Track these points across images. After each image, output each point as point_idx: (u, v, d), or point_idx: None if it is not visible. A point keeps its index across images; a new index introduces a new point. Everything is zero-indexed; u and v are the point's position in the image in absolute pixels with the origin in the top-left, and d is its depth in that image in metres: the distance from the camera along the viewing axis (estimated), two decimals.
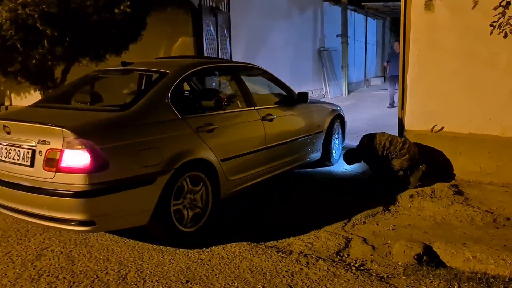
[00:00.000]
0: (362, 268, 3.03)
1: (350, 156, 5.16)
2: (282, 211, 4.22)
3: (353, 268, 2.99)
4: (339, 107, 6.02)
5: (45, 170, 3.03)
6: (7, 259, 3.20)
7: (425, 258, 3.13)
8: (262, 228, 3.79)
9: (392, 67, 11.05)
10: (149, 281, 2.83)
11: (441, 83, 5.08)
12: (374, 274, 2.90)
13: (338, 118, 5.83)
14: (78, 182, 2.93)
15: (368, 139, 4.91)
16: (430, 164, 4.92)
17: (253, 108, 4.38)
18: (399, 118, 5.52)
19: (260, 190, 4.71)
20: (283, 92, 5.06)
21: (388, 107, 11.08)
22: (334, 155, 5.80)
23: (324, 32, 14.01)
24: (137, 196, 3.18)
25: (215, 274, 2.89)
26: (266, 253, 3.19)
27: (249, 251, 3.22)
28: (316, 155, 5.43)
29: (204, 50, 6.87)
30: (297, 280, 2.80)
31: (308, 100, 5.09)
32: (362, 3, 16.27)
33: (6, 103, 9.24)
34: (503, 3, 3.98)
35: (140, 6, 5.05)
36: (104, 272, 2.96)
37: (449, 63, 5.00)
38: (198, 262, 3.07)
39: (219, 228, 3.80)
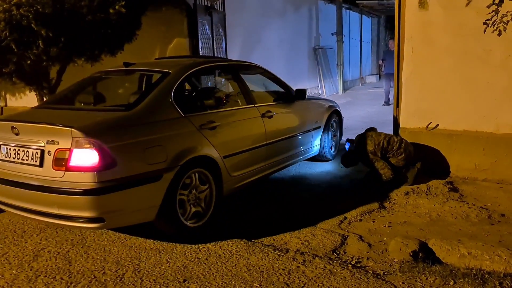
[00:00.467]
0: (358, 265, 3.05)
1: (347, 159, 5.19)
2: (278, 210, 4.23)
3: (350, 265, 3.00)
4: (336, 103, 6.12)
5: (54, 169, 3.11)
6: (3, 260, 3.19)
7: (420, 254, 3.15)
8: (259, 226, 3.80)
9: (387, 65, 11.08)
10: (147, 280, 2.83)
11: (435, 80, 5.11)
12: (370, 271, 2.92)
13: (335, 114, 5.93)
14: (87, 180, 3.01)
15: (365, 140, 4.93)
16: (425, 161, 4.95)
17: (253, 105, 4.45)
18: (394, 116, 5.55)
19: (256, 189, 4.73)
20: (281, 90, 5.15)
21: (383, 104, 11.12)
22: (332, 150, 5.91)
23: (319, 31, 14.02)
24: (144, 193, 3.26)
25: (212, 273, 2.90)
26: (263, 251, 3.20)
27: (246, 249, 3.23)
28: (315, 150, 5.53)
29: (200, 50, 6.86)
30: (294, 278, 2.81)
31: (306, 97, 5.18)
32: (357, 1, 16.28)
33: (1, 103, 9.20)
34: (496, 1, 4.00)
35: (135, 6, 5.03)
36: (101, 272, 2.96)
37: (443, 61, 5.03)
38: (195, 261, 3.08)
39: (220, 224, 3.83)
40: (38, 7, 4.05)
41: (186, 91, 4.12)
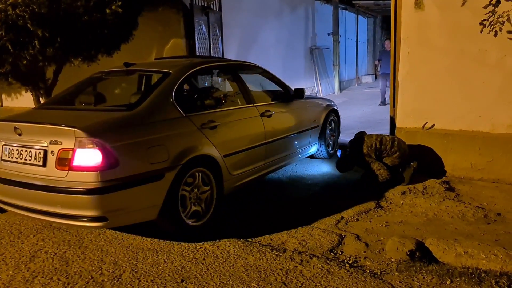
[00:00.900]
0: (355, 265, 3.06)
1: (342, 164, 5.20)
2: (275, 209, 4.24)
3: (347, 265, 3.01)
4: (333, 102, 6.19)
5: (57, 169, 3.14)
6: (0, 261, 3.18)
7: (417, 254, 3.16)
8: (256, 226, 3.81)
9: (384, 65, 11.11)
10: (144, 281, 2.83)
11: (431, 80, 5.13)
12: (368, 271, 2.93)
13: (333, 113, 6.01)
14: (90, 179, 3.05)
15: (358, 144, 4.95)
16: (421, 161, 4.97)
17: (252, 104, 4.50)
18: (390, 116, 5.57)
19: (253, 189, 4.74)
20: (280, 89, 5.21)
21: (379, 104, 11.15)
22: (329, 148, 5.99)
23: (315, 31, 14.04)
24: (146, 192, 3.31)
25: (210, 273, 2.90)
26: (260, 251, 3.20)
27: (243, 249, 3.23)
28: (313, 149, 5.61)
29: (196, 50, 6.85)
30: (292, 277, 2.82)
31: (304, 96, 5.25)
32: (353, 1, 16.31)
33: None
34: (493, 2, 4.02)
35: (132, 6, 5.02)
36: (98, 273, 2.96)
37: (440, 61, 5.05)
38: (193, 261, 3.07)
39: (217, 224, 3.84)
40: (34, 7, 4.03)
41: (186, 91, 4.17)
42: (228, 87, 5.04)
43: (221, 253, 3.19)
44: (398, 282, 2.75)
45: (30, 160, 3.29)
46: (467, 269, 2.88)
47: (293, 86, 5.45)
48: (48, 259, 3.19)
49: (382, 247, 3.33)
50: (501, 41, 4.62)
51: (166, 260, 3.10)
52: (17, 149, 3.39)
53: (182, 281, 2.82)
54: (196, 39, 6.86)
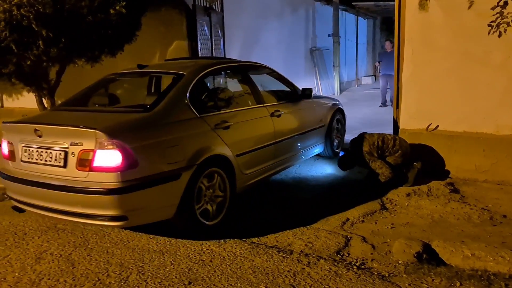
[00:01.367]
0: (363, 267, 3.04)
1: (344, 162, 5.19)
2: (280, 211, 4.22)
3: (354, 267, 3.00)
4: (339, 101, 6.27)
5: (78, 170, 3.21)
6: (5, 263, 3.16)
7: (424, 256, 3.15)
8: (262, 228, 3.79)
9: (384, 66, 11.11)
10: (151, 283, 2.81)
11: (435, 82, 5.12)
12: (376, 273, 2.91)
13: (339, 112, 6.10)
14: (111, 180, 3.13)
15: (359, 142, 4.93)
16: (425, 163, 4.96)
17: (262, 105, 4.58)
18: (394, 117, 5.56)
19: (258, 190, 4.72)
20: (288, 89, 5.28)
21: (380, 106, 11.14)
22: (335, 147, 6.07)
23: (315, 32, 14.03)
24: (164, 192, 3.37)
25: (217, 275, 2.88)
26: (267, 253, 3.19)
27: (250, 251, 3.22)
28: (320, 147, 5.69)
29: (199, 50, 6.84)
30: (300, 280, 2.80)
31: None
32: (353, 3, 16.31)
33: None
34: (501, 3, 4.01)
35: (135, 7, 5.00)
36: (105, 275, 2.94)
37: (444, 62, 5.04)
38: (200, 263, 3.06)
39: (222, 225, 3.84)
40: (39, 7, 4.01)
41: (199, 92, 4.20)
42: (237, 87, 5.10)
43: (227, 254, 3.17)
44: (407, 285, 2.74)
45: (50, 161, 3.35)
46: (476, 271, 2.87)
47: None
48: (54, 260, 3.17)
49: (389, 249, 3.32)
50: (506, 43, 4.62)
51: (172, 262, 3.09)
52: (37, 151, 3.45)
53: (189, 283, 2.80)
54: (199, 40, 6.85)
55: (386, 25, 21.59)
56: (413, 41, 5.17)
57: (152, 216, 3.39)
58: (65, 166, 3.27)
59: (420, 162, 4.88)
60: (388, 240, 3.50)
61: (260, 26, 10.19)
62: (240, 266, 2.99)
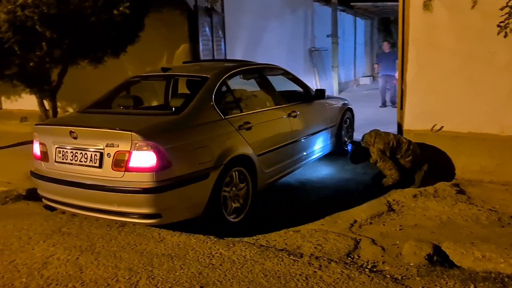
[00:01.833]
0: (375, 270, 3.02)
1: (356, 156, 5.11)
2: (287, 214, 4.20)
3: (366, 270, 2.96)
4: (348, 100, 6.49)
5: (113, 170, 3.39)
6: (12, 268, 3.10)
7: (435, 258, 3.13)
8: (269, 230, 3.76)
9: (383, 67, 11.11)
10: (162, 287, 2.77)
11: (440, 82, 5.12)
12: (388, 276, 2.88)
13: (349, 111, 6.33)
14: (146, 179, 3.31)
15: (375, 139, 4.86)
16: (430, 163, 4.95)
17: (280, 106, 4.78)
18: (398, 118, 5.55)
19: (264, 194, 4.68)
20: (300, 89, 5.47)
21: (380, 106, 11.14)
22: (345, 145, 6.18)
23: (314, 32, 14.03)
24: (195, 191, 3.55)
25: (229, 279, 2.84)
26: (277, 256, 3.15)
27: (259, 254, 3.18)
28: (332, 146, 5.85)
29: (200, 51, 6.81)
30: (312, 283, 2.77)
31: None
32: (351, 3, 16.33)
33: None
34: (510, 3, 4.00)
35: (138, 8, 4.96)
36: (114, 280, 2.88)
37: (448, 63, 5.04)
38: (210, 267, 3.01)
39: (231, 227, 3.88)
40: (44, 8, 3.97)
41: (223, 94, 4.37)
42: (250, 88, 5.23)
43: (237, 258, 3.13)
44: (420, 287, 2.71)
45: (85, 161, 3.51)
46: (489, 273, 2.85)
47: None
48: (61, 265, 3.11)
49: (399, 251, 3.29)
50: (511, 44, 4.61)
51: (182, 266, 3.04)
52: (71, 152, 3.60)
53: (201, 287, 2.76)
54: (200, 41, 6.82)
55: (384, 26, 21.65)
56: (418, 41, 5.17)
57: (184, 214, 3.57)
58: (100, 166, 3.43)
59: (427, 164, 4.86)
60: (398, 242, 3.47)
61: (260, 27, 10.17)
62: (251, 270, 2.95)
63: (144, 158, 3.30)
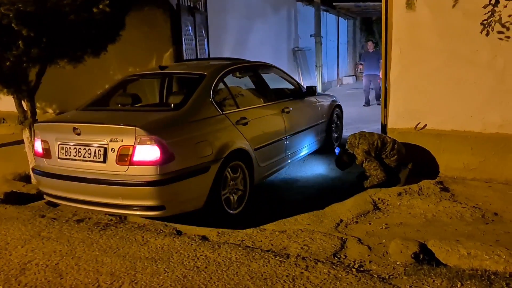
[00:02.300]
0: (362, 269, 2.99)
1: (341, 161, 5.11)
2: (272, 214, 4.15)
3: (353, 269, 2.94)
4: (336, 97, 6.66)
5: (118, 164, 3.50)
6: None
7: (422, 256, 3.12)
8: (255, 230, 3.70)
9: (367, 66, 11.18)
10: None
11: (423, 81, 5.14)
12: (375, 275, 2.86)
13: (337, 108, 6.51)
14: (150, 173, 3.43)
15: (359, 140, 4.86)
16: (415, 162, 4.97)
17: (274, 102, 4.94)
18: (382, 117, 5.56)
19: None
20: (292, 86, 5.66)
21: (364, 105, 11.20)
22: (335, 141, 6.41)
23: (297, 32, 14.05)
24: (196, 183, 3.68)
25: (214, 282, 2.78)
26: (263, 257, 3.10)
27: (245, 256, 3.12)
28: (322, 141, 6.01)
29: (183, 51, 6.71)
30: (299, 284, 2.72)
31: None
32: (334, 3, 16.40)
33: None
34: (492, 1, 4.03)
35: (119, 6, 4.84)
36: (95, 285, 2.80)
37: (431, 61, 5.06)
38: (194, 270, 2.95)
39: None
40: (20, 5, 3.83)
41: (219, 91, 4.49)
42: (245, 85, 5.42)
43: (222, 260, 3.07)
44: (408, 287, 2.69)
45: (89, 157, 3.62)
46: (476, 271, 2.85)
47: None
48: (40, 271, 3.01)
49: (386, 250, 3.28)
50: (492, 42, 4.66)
51: (166, 269, 2.97)
52: (75, 148, 3.71)
53: None
54: (183, 40, 6.72)
55: (366, 26, 21.83)
56: (401, 40, 5.17)
57: (186, 206, 3.69)
58: (104, 161, 3.55)
59: (411, 163, 4.87)
60: (384, 240, 3.46)
61: (244, 27, 10.12)
62: (237, 272, 2.90)
63: (148, 152, 3.41)
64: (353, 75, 19.71)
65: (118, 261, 3.11)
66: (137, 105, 4.31)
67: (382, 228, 3.76)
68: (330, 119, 6.18)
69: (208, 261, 3.06)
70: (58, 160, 3.81)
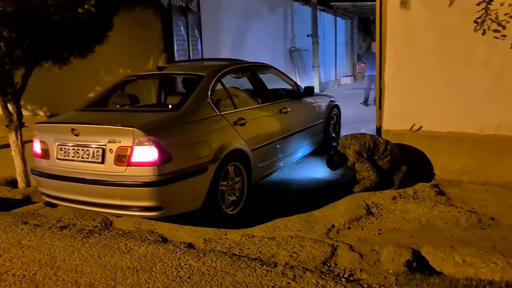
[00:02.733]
0: (352, 279, 2.86)
1: (332, 161, 4.97)
2: (262, 219, 4.02)
3: (343, 279, 2.81)
4: (334, 97, 6.64)
5: (116, 165, 3.51)
6: None
7: (415, 264, 3.00)
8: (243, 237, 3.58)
9: (370, 67, 11.07)
10: None
11: (418, 81, 5.02)
12: (366, 285, 2.74)
13: (335, 108, 6.50)
14: (148, 173, 3.43)
15: (350, 141, 4.74)
16: (410, 164, 4.85)
17: (271, 102, 4.91)
18: (377, 118, 5.43)
19: None
20: (289, 87, 5.64)
21: (361, 103, 11.12)
22: (333, 141, 6.36)
23: (294, 32, 13.93)
24: (194, 184, 3.68)
25: None
26: (250, 266, 2.98)
27: (231, 265, 3.00)
28: (320, 142, 5.99)
29: (175, 52, 6.59)
30: None
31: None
32: (331, 3, 16.28)
33: None
34: None
35: (106, 6, 4.72)
36: None
37: (426, 61, 4.94)
38: (177, 281, 2.82)
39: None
40: (0, 5, 3.72)
41: (217, 91, 4.48)
42: (243, 86, 5.39)
43: (207, 270, 2.95)
44: None
45: (87, 158, 3.63)
46: (471, 280, 2.72)
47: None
48: (16, 282, 2.88)
49: (378, 258, 3.15)
50: (489, 41, 4.54)
51: (147, 280, 2.84)
52: (73, 149, 3.72)
53: None
54: (175, 41, 6.60)
55: (363, 26, 21.71)
56: (395, 40, 5.06)
57: (184, 207, 3.69)
58: (103, 162, 3.56)
59: (406, 165, 4.75)
60: (376, 247, 3.33)
61: (239, 27, 10.00)
62: (221, 283, 2.77)
63: (146, 152, 3.41)
64: (351, 76, 19.57)
65: (98, 271, 2.99)
66: (135, 105, 4.33)
67: (375, 234, 3.64)
68: (328, 119, 6.16)
69: (192, 271, 2.94)
70: (57, 160, 3.83)
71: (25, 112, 7.15)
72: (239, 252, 3.28)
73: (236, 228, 3.72)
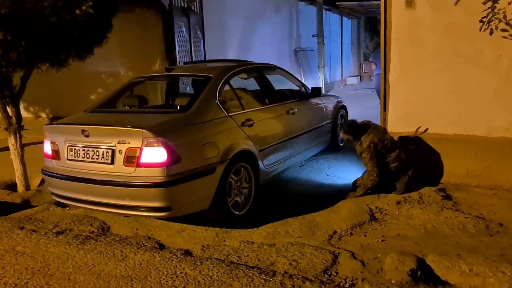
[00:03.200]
0: None
1: (343, 135, 4.68)
2: (259, 224, 3.92)
3: None
4: (341, 98, 6.68)
5: (125, 166, 3.57)
6: None
7: (419, 273, 2.87)
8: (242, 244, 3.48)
9: (379, 66, 10.91)
10: None
11: (424, 82, 4.89)
12: None
13: (342, 108, 6.53)
14: (157, 174, 3.49)
15: (372, 130, 4.52)
16: (415, 167, 4.71)
17: (279, 103, 4.94)
18: (381, 120, 5.31)
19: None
20: (296, 87, 5.65)
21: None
22: (340, 141, 6.32)
23: (299, 32, 13.81)
24: (203, 184, 3.72)
25: None
26: (247, 275, 2.88)
27: (228, 274, 2.90)
28: (327, 142, 6.04)
29: (177, 53, 6.52)
30: None
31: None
32: (337, 3, 16.13)
33: None
34: None
35: (105, 7, 4.65)
36: None
37: (432, 62, 4.82)
38: None
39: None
40: None
41: (225, 93, 4.48)
42: (251, 86, 5.36)
43: (203, 279, 2.86)
44: None
45: (97, 158, 3.69)
46: None
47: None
48: None
49: (381, 266, 3.04)
50: (497, 41, 4.41)
51: None
52: (83, 149, 3.78)
53: None
54: (176, 42, 6.53)
55: (370, 25, 21.51)
56: (400, 40, 4.93)
57: (192, 207, 3.73)
58: (112, 163, 3.61)
59: (411, 169, 4.61)
60: (379, 255, 3.21)
61: (243, 27, 9.91)
62: None
63: (155, 154, 3.47)
64: (357, 76, 19.40)
65: (91, 280, 2.91)
66: (144, 107, 4.39)
67: (378, 240, 3.52)
68: (335, 120, 6.17)
69: (188, 280, 2.85)
70: (67, 161, 3.90)
71: (27, 114, 7.17)
72: (237, 260, 3.18)
73: (243, 228, 3.73)
